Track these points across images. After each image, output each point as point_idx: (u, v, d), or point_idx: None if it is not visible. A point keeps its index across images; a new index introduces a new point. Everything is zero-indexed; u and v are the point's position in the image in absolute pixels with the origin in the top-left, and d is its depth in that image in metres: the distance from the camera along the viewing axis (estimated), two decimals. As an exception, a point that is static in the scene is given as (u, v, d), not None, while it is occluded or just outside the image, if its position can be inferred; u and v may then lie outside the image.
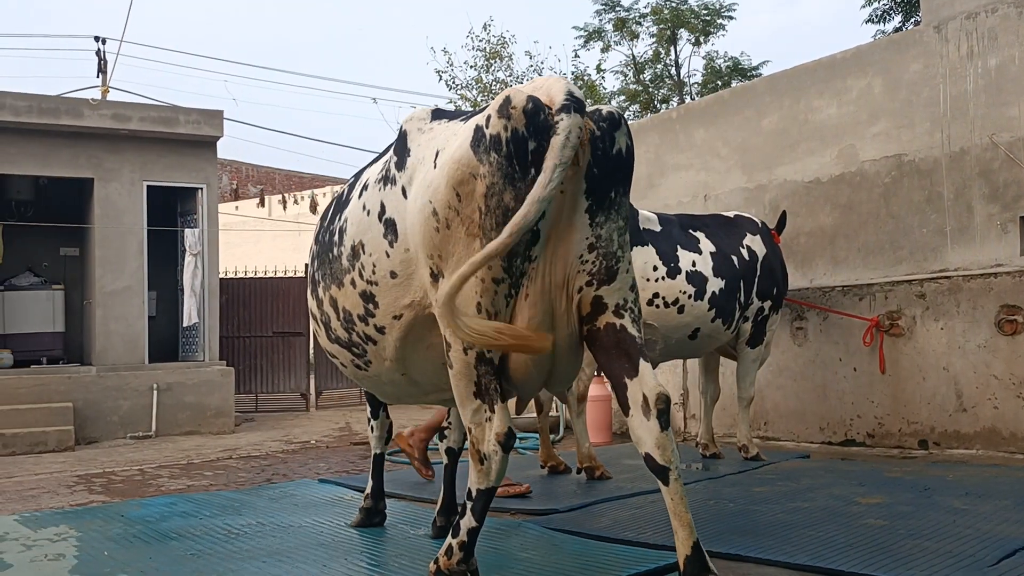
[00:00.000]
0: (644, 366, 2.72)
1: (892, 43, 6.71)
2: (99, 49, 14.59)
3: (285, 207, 22.89)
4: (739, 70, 18.06)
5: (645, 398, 2.67)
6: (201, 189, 10.32)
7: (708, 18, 18.15)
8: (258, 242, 21.81)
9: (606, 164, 2.70)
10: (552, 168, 2.49)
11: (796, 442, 6.66)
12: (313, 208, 22.15)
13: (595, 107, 2.78)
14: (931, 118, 6.10)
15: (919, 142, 6.17)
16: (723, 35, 20.09)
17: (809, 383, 6.55)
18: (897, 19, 14.98)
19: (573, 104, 2.58)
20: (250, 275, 12.42)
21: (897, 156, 6.28)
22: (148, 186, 9.97)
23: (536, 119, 2.60)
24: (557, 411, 7.83)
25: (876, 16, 15.38)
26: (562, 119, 2.55)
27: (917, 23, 11.65)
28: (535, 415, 5.85)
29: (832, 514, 3.98)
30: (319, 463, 7.06)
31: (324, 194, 23.24)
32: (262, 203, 23.25)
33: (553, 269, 2.72)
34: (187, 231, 10.32)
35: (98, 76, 14.29)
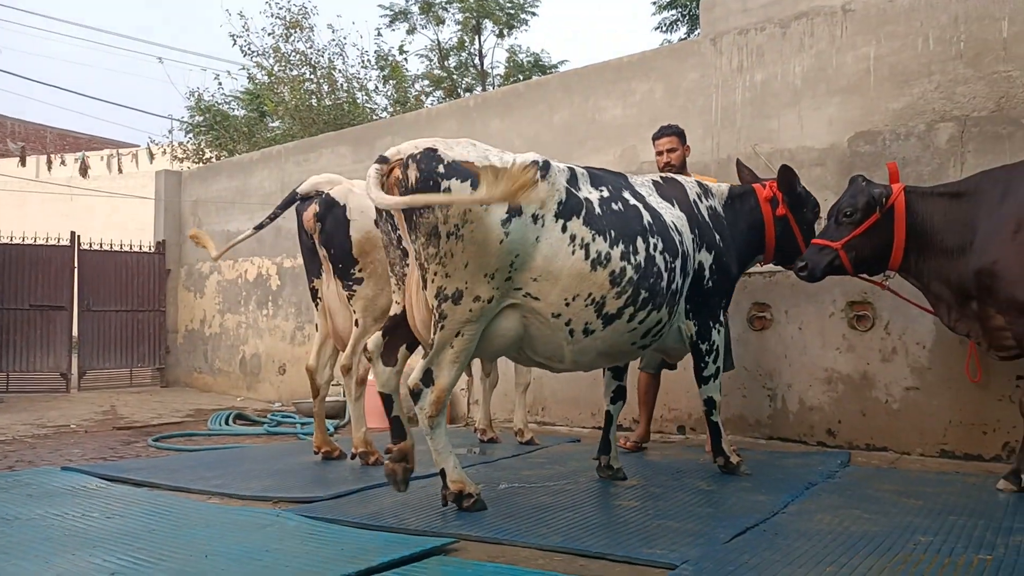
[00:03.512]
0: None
1: (674, 51, 7.08)
2: None
3: (51, 168, 20.82)
4: (540, 66, 18.50)
5: None
6: (-56, 141, 9.16)
7: (512, 11, 18.45)
8: (21, 205, 19.74)
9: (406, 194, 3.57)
10: None
11: (570, 427, 6.91)
12: (84, 172, 20.24)
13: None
14: (704, 125, 6.49)
15: (693, 147, 6.52)
16: (526, 30, 20.49)
17: (584, 372, 6.79)
18: (683, 30, 15.94)
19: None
20: (4, 241, 11.19)
21: (673, 159, 6.63)
22: None
23: None
24: (344, 396, 7.67)
25: (665, 25, 16.30)
26: None
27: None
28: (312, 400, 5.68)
29: (591, 496, 4.15)
30: (73, 449, 6.50)
31: (102, 157, 21.40)
32: (23, 162, 21.02)
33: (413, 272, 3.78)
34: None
35: None
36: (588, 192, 4.00)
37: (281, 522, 3.64)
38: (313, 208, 5.17)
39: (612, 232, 3.94)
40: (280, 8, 15.91)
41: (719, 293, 4.60)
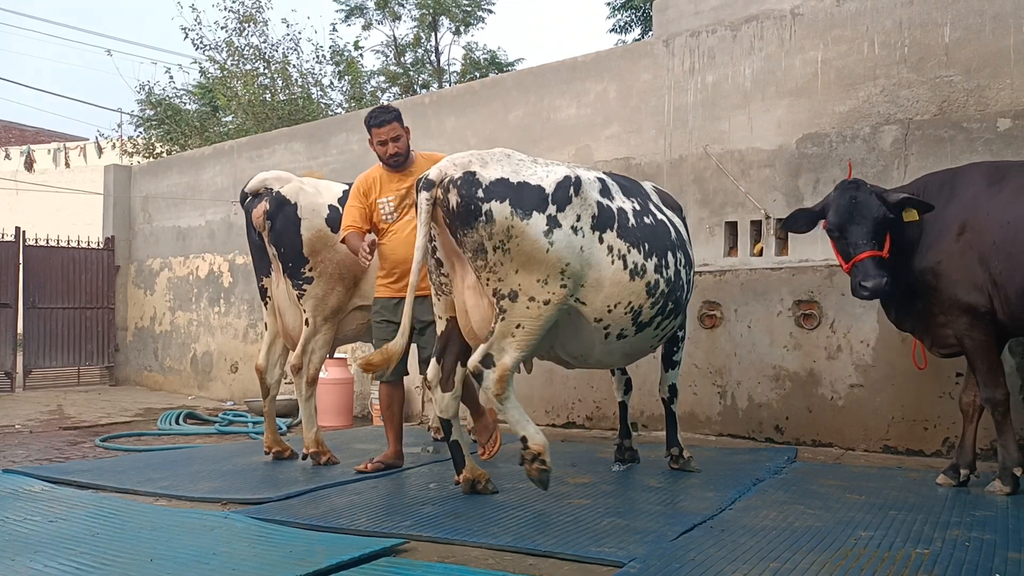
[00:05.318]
0: None
1: (627, 52, 7.14)
2: None
3: (-7, 162, 20.26)
4: (496, 64, 18.47)
5: None
6: None
7: (469, 8, 18.39)
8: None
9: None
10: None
11: (524, 425, 6.91)
12: (30, 165, 19.71)
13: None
14: (656, 126, 6.56)
15: (645, 147, 6.61)
16: (483, 27, 20.39)
17: (537, 368, 6.79)
18: (637, 31, 16.01)
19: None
20: (-56, 236, 10.87)
21: (626, 159, 6.70)
22: None
23: None
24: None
25: (619, 26, 16.36)
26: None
27: (657, 37, 12.49)
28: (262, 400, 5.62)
29: (542, 494, 4.15)
30: (17, 450, 6.35)
31: (48, 151, 20.88)
32: (-38, 154, 20.44)
33: (465, 275, 3.92)
34: None
35: None
36: (621, 202, 4.15)
37: (229, 524, 3.61)
38: (263, 206, 5.11)
39: (646, 245, 4.13)
40: (234, 1, 15.65)
41: (690, 285, 4.93)
